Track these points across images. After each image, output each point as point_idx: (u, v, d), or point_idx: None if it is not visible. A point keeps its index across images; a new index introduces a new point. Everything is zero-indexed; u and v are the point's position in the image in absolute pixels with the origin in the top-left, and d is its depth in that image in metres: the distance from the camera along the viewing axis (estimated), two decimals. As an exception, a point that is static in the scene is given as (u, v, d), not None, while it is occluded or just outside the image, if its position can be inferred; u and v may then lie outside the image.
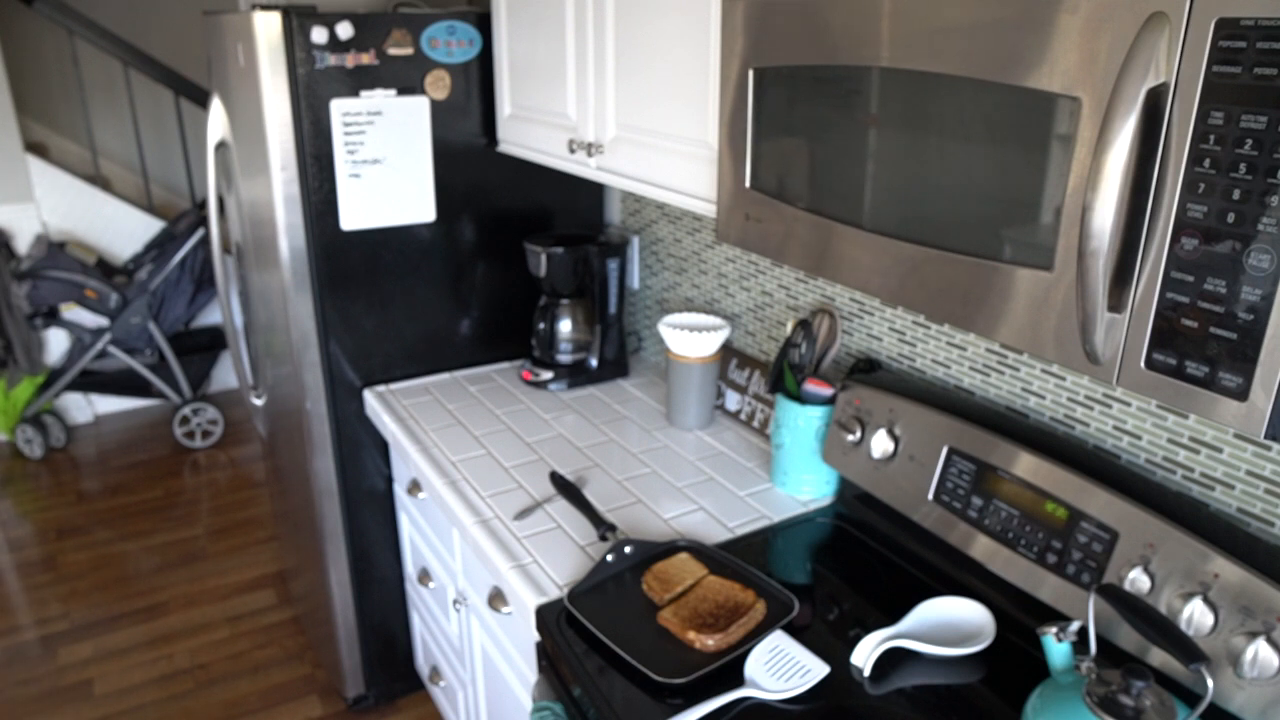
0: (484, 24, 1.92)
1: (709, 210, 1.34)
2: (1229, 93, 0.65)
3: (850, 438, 1.43)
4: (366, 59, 1.82)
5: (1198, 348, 0.71)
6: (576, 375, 2.03)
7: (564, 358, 2.04)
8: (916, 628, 1.19)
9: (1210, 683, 0.85)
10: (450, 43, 1.89)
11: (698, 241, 1.96)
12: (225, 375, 4.37)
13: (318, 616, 2.38)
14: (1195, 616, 0.97)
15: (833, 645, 1.19)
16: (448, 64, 1.91)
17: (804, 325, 1.54)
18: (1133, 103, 0.68)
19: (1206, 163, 0.67)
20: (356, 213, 1.90)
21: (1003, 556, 1.21)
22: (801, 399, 1.52)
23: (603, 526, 1.43)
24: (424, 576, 1.96)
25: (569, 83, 1.65)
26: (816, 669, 1.12)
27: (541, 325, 2.04)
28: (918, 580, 1.33)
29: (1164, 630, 0.89)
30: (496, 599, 1.47)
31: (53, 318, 3.63)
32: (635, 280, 2.21)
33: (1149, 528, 1.04)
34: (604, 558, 1.32)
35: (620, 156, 1.54)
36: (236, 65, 1.91)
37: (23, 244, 3.79)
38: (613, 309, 2.03)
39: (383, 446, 2.10)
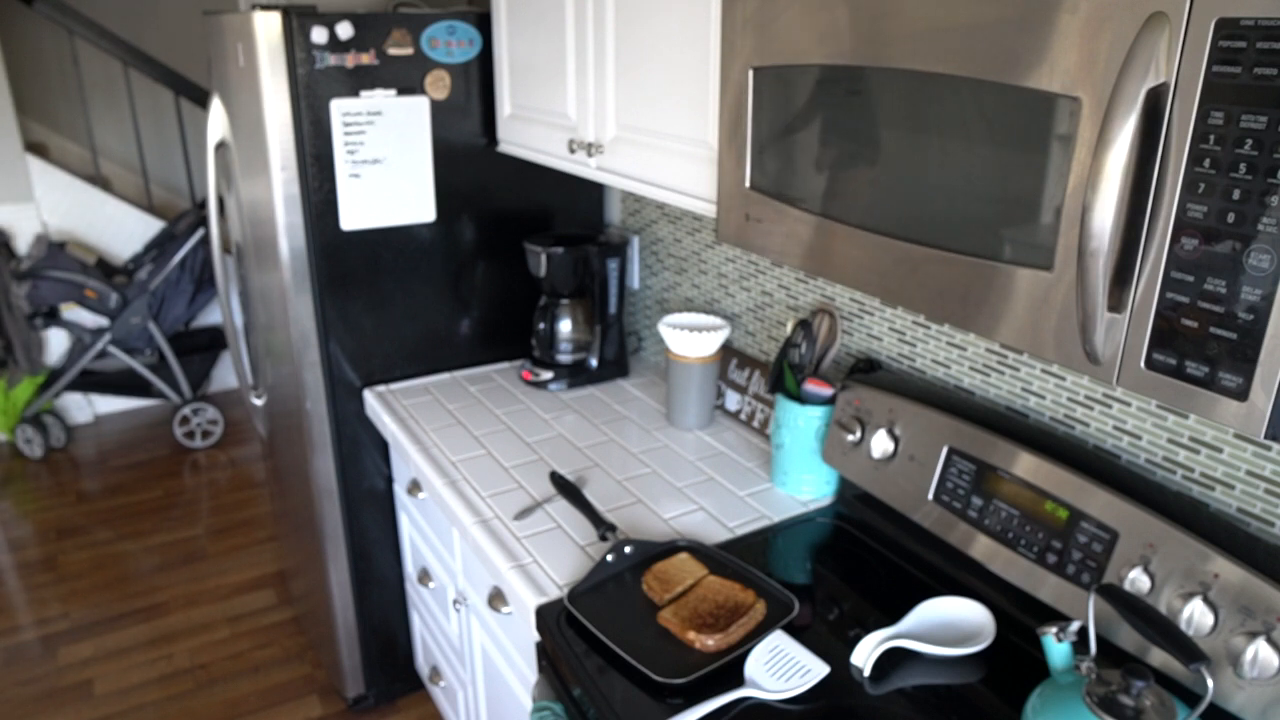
0: (484, 24, 1.92)
1: (709, 210, 1.34)
2: (1229, 93, 0.65)
3: (850, 438, 1.43)
4: (366, 59, 1.82)
5: (1198, 348, 0.71)
6: (576, 375, 2.03)
7: (564, 358, 2.04)
8: (916, 628, 1.19)
9: (1210, 683, 0.85)
10: (450, 43, 1.89)
11: (698, 241, 1.96)
12: (225, 375, 4.37)
13: (318, 616, 2.38)
14: (1195, 616, 0.97)
15: (833, 645, 1.19)
16: (448, 64, 1.91)
17: (804, 325, 1.54)
18: (1133, 103, 0.68)
19: (1206, 163, 0.67)
20: (356, 213, 1.90)
21: (1003, 556, 1.21)
22: (801, 399, 1.52)
23: (603, 526, 1.43)
24: (424, 576, 1.96)
25: (569, 82, 1.65)
26: (816, 669, 1.12)
27: (541, 325, 2.04)
28: (918, 580, 1.33)
29: (1164, 630, 0.89)
30: (496, 599, 1.47)
31: (53, 318, 3.63)
32: (635, 280, 2.21)
33: (1149, 528, 1.04)
34: (604, 558, 1.32)
35: (620, 156, 1.54)
36: (236, 65, 1.91)
37: (23, 244, 3.79)
38: (613, 309, 2.03)
39: (383, 446, 2.10)
